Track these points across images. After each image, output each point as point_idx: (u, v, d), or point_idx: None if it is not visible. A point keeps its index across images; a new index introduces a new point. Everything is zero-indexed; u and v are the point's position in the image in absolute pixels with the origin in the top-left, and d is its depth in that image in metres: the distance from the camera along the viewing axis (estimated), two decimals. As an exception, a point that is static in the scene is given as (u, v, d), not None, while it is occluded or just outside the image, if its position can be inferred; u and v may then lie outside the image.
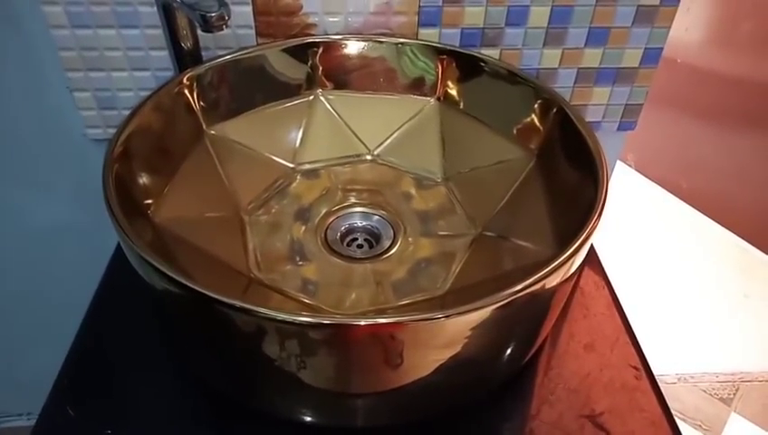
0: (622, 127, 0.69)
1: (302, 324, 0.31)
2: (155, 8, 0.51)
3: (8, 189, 0.71)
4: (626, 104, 0.66)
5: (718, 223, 1.38)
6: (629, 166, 1.49)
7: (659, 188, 1.46)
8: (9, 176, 0.70)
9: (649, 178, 1.48)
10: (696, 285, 1.43)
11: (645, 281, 1.41)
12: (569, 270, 0.37)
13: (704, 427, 1.19)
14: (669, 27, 0.61)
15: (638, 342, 0.48)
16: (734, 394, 1.24)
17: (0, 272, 0.80)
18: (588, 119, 0.67)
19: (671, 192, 1.44)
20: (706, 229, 1.40)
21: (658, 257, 1.48)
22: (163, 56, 0.58)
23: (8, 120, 0.65)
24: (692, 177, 1.42)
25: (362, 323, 0.32)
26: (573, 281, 0.41)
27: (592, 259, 0.57)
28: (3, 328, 0.88)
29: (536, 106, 0.50)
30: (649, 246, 1.50)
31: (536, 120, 0.51)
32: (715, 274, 1.43)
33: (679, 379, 1.25)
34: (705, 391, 1.24)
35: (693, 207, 1.41)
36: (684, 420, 1.19)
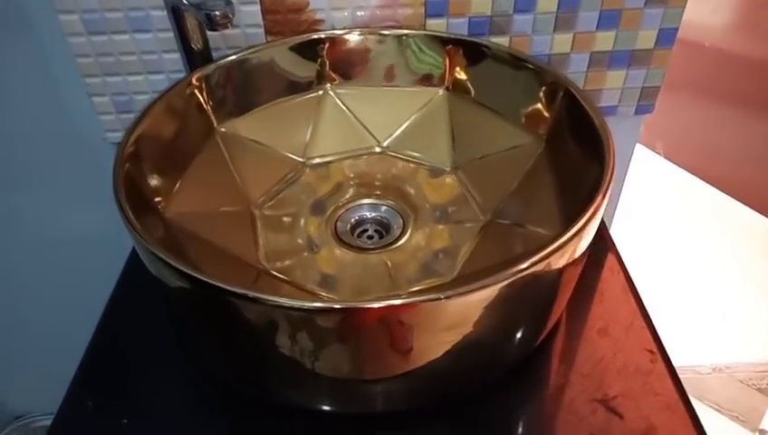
0: (640, 111, 0.67)
1: (311, 310, 0.32)
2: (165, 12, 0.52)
3: (31, 196, 0.73)
4: (642, 87, 0.65)
5: (749, 207, 1.35)
6: (658, 154, 1.46)
7: (689, 174, 1.43)
8: (32, 183, 0.71)
9: (679, 166, 1.45)
10: (730, 274, 1.39)
11: (678, 270, 1.38)
12: (575, 249, 0.36)
13: (741, 419, 1.16)
14: (684, 7, 0.59)
15: (653, 325, 0.47)
16: (773, 384, 1.21)
17: (20, 276, 0.82)
18: (603, 103, 0.66)
19: (701, 178, 1.41)
20: (739, 216, 1.36)
21: (692, 246, 1.45)
22: (176, 59, 0.59)
23: (28, 128, 0.66)
24: (721, 162, 1.38)
25: (372, 305, 0.31)
26: (582, 263, 0.41)
27: (607, 244, 0.56)
28: (23, 330, 0.89)
29: (543, 90, 0.50)
30: (682, 234, 1.47)
31: (544, 105, 0.50)
32: (749, 262, 1.39)
33: (714, 369, 1.22)
34: (741, 382, 1.20)
35: (723, 192, 1.37)
36: (719, 412, 1.16)
